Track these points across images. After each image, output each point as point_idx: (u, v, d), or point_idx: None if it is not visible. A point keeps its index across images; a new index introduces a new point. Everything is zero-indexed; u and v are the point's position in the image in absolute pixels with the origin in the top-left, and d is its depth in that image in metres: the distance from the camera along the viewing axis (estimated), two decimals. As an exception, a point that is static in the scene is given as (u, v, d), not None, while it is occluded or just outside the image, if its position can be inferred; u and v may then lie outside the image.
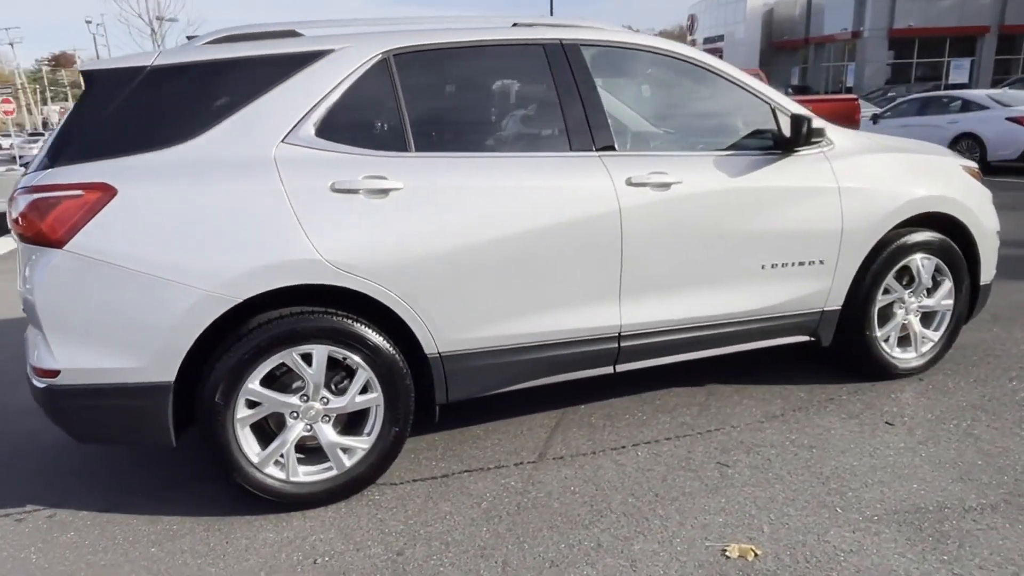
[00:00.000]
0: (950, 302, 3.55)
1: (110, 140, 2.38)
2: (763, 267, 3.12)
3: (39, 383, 2.38)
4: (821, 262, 3.21)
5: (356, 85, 2.60)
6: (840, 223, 3.19)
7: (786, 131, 3.09)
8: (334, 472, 2.63)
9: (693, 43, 44.41)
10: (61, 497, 2.78)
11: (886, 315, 3.47)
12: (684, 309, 3.02)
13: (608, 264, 2.84)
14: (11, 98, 19.45)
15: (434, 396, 2.75)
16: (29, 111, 76.15)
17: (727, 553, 2.26)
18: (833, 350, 3.47)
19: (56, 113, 69.00)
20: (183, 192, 2.36)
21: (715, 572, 2.18)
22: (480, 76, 2.90)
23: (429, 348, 2.67)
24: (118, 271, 2.30)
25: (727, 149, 3.10)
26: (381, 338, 2.58)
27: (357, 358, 2.56)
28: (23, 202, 2.30)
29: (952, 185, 3.44)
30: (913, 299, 3.48)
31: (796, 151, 3.11)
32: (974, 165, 3.70)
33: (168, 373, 2.36)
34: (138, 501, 2.73)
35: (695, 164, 2.99)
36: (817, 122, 3.03)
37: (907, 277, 3.45)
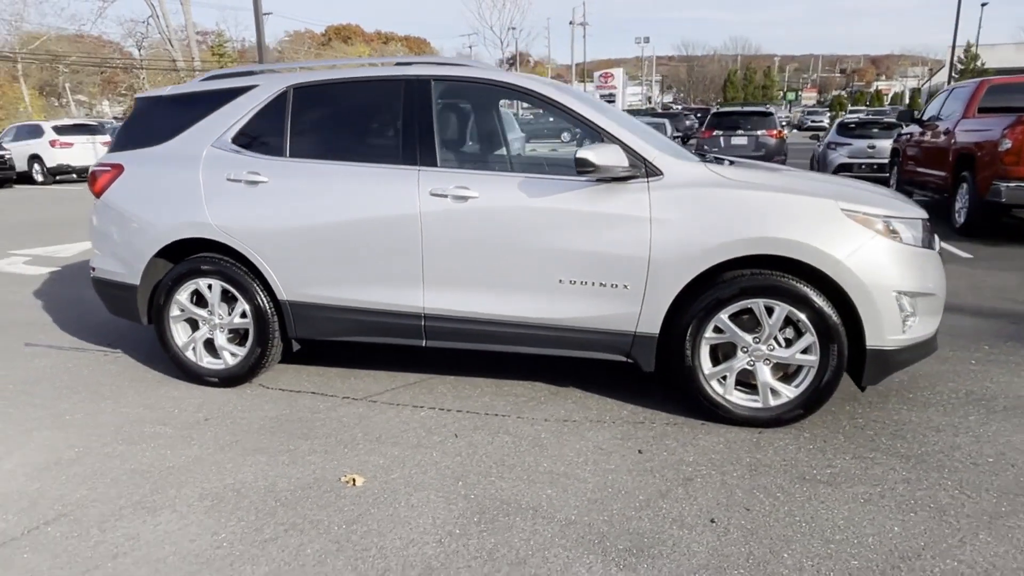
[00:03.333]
0: (811, 358, 3.24)
1: (135, 139, 4.05)
2: (560, 281, 3.42)
3: (91, 275, 4.20)
4: (625, 286, 3.35)
5: (264, 108, 3.82)
6: (648, 252, 3.28)
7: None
8: (223, 366, 3.95)
9: None
10: (131, 349, 4.66)
11: (730, 354, 3.37)
12: (483, 305, 3.54)
13: (412, 257, 3.56)
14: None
15: (287, 331, 3.86)
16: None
17: (342, 477, 2.95)
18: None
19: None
20: (153, 172, 3.91)
21: (314, 481, 2.91)
22: (351, 103, 3.82)
23: (280, 295, 3.79)
24: (119, 215, 3.96)
25: (544, 172, 3.47)
26: (253, 282, 3.79)
27: (237, 293, 3.82)
28: (91, 171, 4.10)
29: (810, 230, 3.14)
30: (761, 346, 3.29)
31: (606, 179, 3.31)
32: (877, 213, 3.22)
33: (135, 279, 3.96)
34: (158, 358, 4.43)
35: (499, 182, 3.46)
36: (587, 153, 3.18)
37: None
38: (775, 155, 14.02)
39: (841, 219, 3.18)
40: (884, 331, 3.18)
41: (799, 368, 3.32)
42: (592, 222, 3.34)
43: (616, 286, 3.37)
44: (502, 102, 4.13)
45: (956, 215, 8.74)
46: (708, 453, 3.13)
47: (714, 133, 14.45)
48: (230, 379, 3.95)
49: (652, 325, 3.38)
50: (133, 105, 4.20)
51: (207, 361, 3.99)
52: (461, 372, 4.14)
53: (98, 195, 4.05)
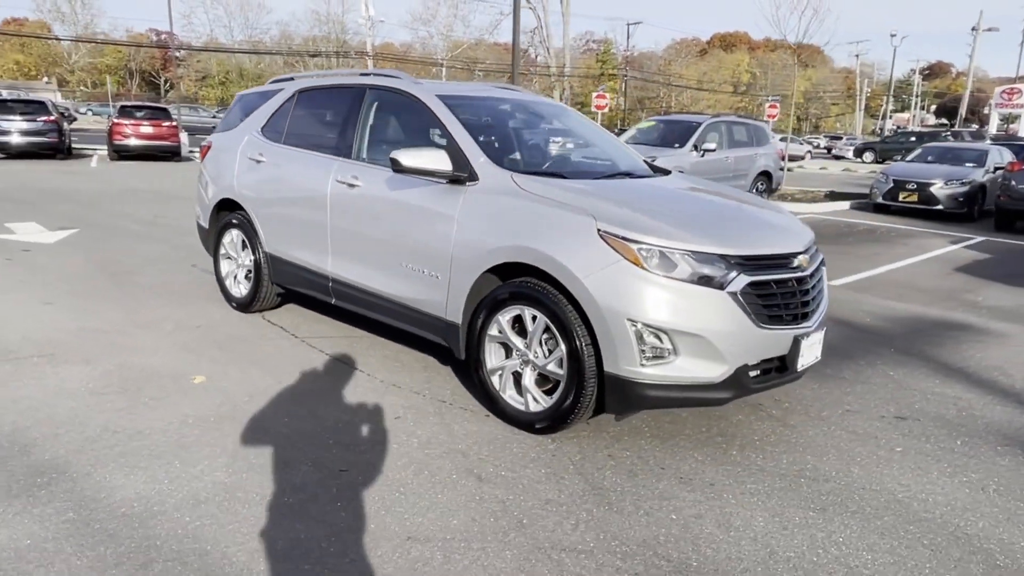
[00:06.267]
0: (560, 372, 3.28)
1: (225, 124, 5.62)
2: (403, 264, 3.95)
3: (198, 223, 5.93)
4: (437, 276, 3.75)
5: (281, 106, 5.03)
6: (451, 248, 3.65)
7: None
8: (240, 295, 5.32)
9: None
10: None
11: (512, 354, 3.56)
12: (360, 276, 4.24)
13: (324, 229, 4.42)
14: (777, 103, 23.05)
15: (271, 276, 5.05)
16: (874, 116, 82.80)
17: (194, 375, 4.01)
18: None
19: (891, 123, 72.40)
20: (223, 149, 5.42)
21: (179, 374, 4.01)
22: (326, 104, 4.77)
23: (264, 247, 4.98)
24: (205, 176, 5.58)
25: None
26: (255, 236, 5.06)
27: (248, 242, 5.14)
28: (201, 146, 5.79)
29: (559, 245, 3.19)
30: (529, 351, 3.43)
31: (451, 181, 3.74)
32: (638, 239, 3.05)
33: (206, 223, 5.55)
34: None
35: (375, 175, 4.11)
36: (398, 154, 3.61)
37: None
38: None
39: (592, 238, 3.15)
40: (619, 359, 3.08)
41: (560, 381, 3.35)
42: (425, 216, 3.81)
43: (433, 275, 3.79)
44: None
45: None
46: (443, 434, 3.42)
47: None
48: (242, 306, 5.30)
49: (456, 315, 3.72)
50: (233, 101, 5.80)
51: (235, 290, 5.39)
52: (395, 338, 4.85)
53: (201, 161, 5.72)
